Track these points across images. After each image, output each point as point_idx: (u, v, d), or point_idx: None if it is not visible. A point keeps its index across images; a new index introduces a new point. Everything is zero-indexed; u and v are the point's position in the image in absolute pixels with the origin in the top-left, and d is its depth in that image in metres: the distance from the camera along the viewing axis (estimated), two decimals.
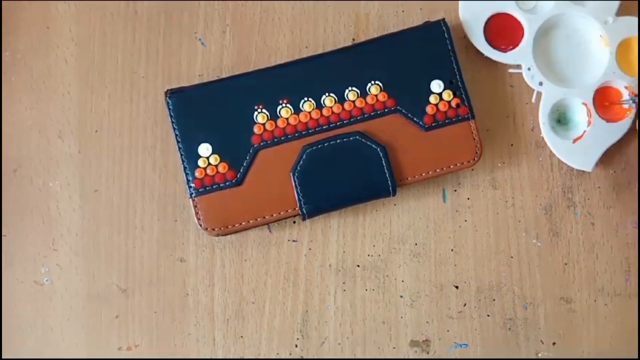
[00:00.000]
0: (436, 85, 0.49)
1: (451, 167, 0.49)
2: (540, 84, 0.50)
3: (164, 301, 0.51)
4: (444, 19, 0.49)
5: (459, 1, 0.51)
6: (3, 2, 0.52)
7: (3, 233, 0.51)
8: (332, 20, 0.52)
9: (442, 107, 0.49)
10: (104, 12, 0.52)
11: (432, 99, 0.49)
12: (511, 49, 0.51)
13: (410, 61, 0.49)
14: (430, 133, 0.49)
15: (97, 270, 0.51)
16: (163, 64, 0.52)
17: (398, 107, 0.49)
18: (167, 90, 0.49)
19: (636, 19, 0.50)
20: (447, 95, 0.49)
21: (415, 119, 0.49)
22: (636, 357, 0.51)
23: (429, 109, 0.49)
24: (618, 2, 0.50)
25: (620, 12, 0.50)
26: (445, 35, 0.49)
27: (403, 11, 0.52)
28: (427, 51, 0.49)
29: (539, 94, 0.51)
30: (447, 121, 0.49)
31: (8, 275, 0.51)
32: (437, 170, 0.49)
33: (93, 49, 0.52)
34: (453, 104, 0.49)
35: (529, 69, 0.50)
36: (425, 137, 0.49)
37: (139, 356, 0.50)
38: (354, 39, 0.52)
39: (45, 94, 0.52)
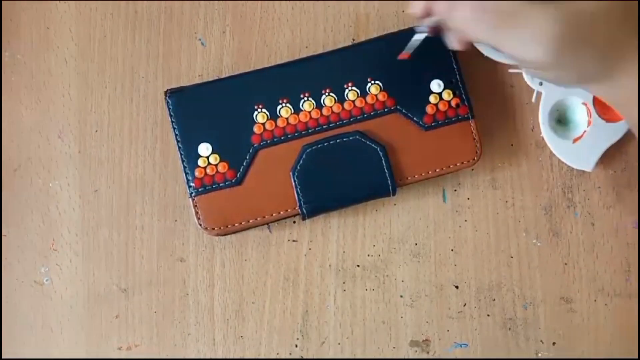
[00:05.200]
0: (436, 85, 0.49)
1: (451, 167, 0.49)
2: (540, 84, 0.50)
3: (164, 301, 0.51)
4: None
5: None
6: (3, 2, 0.52)
7: (3, 233, 0.51)
8: (332, 20, 0.52)
9: (441, 106, 0.49)
10: (104, 12, 0.52)
11: (432, 98, 0.49)
12: None
13: (410, 61, 0.49)
14: (430, 133, 0.49)
15: (97, 270, 0.51)
16: (163, 64, 0.52)
17: (398, 107, 0.49)
18: (167, 90, 0.49)
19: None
20: (447, 95, 0.49)
21: (415, 118, 0.49)
22: (636, 357, 0.51)
23: (429, 109, 0.49)
24: None
25: None
26: None
27: (403, 11, 0.52)
28: (427, 51, 0.49)
29: (539, 94, 0.51)
30: (446, 121, 0.49)
31: (8, 275, 0.51)
32: (437, 170, 0.49)
33: (93, 49, 0.52)
34: (453, 103, 0.49)
35: None
36: (425, 137, 0.49)
37: (139, 356, 0.50)
38: (354, 39, 0.52)
39: (45, 94, 0.52)
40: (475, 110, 0.49)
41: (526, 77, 0.51)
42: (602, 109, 0.50)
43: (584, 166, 0.50)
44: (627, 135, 0.51)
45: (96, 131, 0.52)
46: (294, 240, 0.51)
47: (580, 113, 0.51)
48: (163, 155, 0.51)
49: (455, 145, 0.49)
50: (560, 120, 0.51)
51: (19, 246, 0.51)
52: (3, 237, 0.51)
